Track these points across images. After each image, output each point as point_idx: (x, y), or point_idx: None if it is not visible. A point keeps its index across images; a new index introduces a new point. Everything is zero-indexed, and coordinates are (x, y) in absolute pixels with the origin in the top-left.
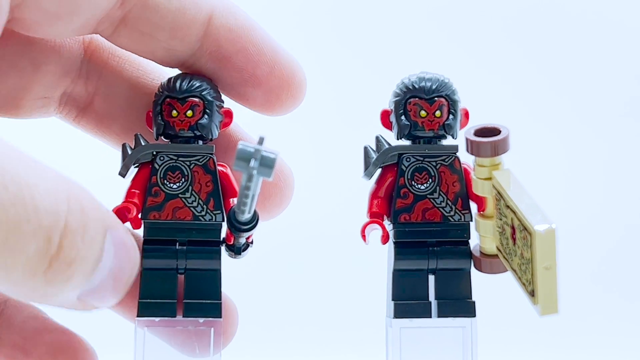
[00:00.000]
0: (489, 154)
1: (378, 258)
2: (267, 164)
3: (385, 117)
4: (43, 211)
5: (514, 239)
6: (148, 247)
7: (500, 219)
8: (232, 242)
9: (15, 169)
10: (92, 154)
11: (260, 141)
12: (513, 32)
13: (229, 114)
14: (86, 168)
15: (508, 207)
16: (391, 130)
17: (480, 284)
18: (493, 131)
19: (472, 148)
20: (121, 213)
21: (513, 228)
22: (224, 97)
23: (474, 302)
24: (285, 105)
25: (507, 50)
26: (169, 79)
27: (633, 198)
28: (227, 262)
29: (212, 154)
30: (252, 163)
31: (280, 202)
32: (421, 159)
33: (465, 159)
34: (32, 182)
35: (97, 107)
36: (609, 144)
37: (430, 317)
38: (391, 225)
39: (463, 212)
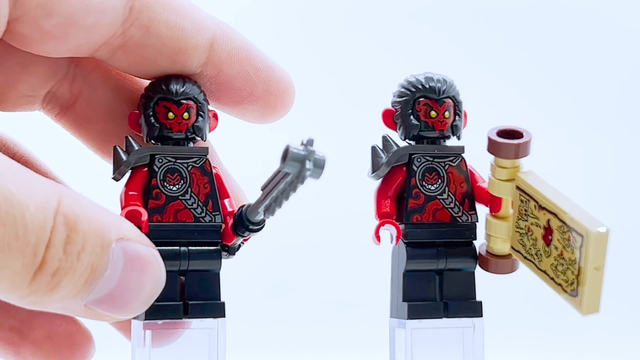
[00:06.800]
0: (511, 156)
1: (378, 258)
2: (320, 166)
3: (388, 116)
4: (31, 228)
5: (547, 240)
6: None
7: (526, 220)
8: (230, 243)
9: (6, 186)
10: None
11: (310, 143)
12: (512, 31)
13: (215, 117)
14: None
15: (543, 208)
16: (395, 130)
17: (483, 283)
18: (514, 133)
19: (495, 148)
20: (133, 217)
21: (548, 229)
22: None
23: (480, 302)
24: (279, 116)
25: (505, 50)
26: (159, 81)
27: (633, 199)
28: (231, 262)
29: (207, 155)
30: (307, 164)
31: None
32: (431, 159)
33: (470, 160)
34: (23, 201)
35: (78, 109)
36: (606, 144)
37: (441, 317)
38: (402, 225)
39: (470, 212)
